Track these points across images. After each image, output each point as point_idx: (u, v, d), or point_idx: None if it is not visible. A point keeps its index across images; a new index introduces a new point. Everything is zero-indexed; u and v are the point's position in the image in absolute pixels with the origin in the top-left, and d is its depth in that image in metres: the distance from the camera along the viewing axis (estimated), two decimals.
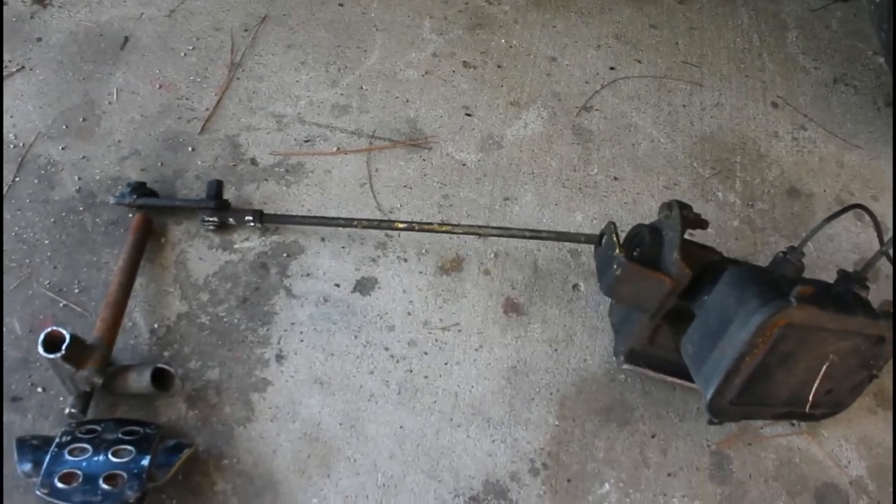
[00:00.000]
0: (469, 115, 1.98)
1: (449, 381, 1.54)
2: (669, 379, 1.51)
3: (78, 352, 1.31)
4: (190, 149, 1.81)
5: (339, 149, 1.87)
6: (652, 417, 1.55)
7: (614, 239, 1.42)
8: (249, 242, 1.68)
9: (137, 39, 2.00)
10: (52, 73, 1.89)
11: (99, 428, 1.32)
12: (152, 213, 1.66)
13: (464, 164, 1.88)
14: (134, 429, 1.33)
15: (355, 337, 1.58)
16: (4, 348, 1.47)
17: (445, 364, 1.56)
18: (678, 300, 1.40)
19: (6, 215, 1.64)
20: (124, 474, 1.24)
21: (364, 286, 1.65)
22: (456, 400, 1.52)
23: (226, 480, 1.38)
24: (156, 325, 1.54)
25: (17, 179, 1.70)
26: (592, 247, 1.54)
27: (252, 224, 1.65)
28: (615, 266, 1.38)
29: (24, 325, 1.51)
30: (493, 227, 1.67)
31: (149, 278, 1.60)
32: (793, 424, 1.57)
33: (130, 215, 1.65)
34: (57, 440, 1.28)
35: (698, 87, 2.15)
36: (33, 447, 1.28)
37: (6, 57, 1.90)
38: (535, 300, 1.67)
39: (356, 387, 1.52)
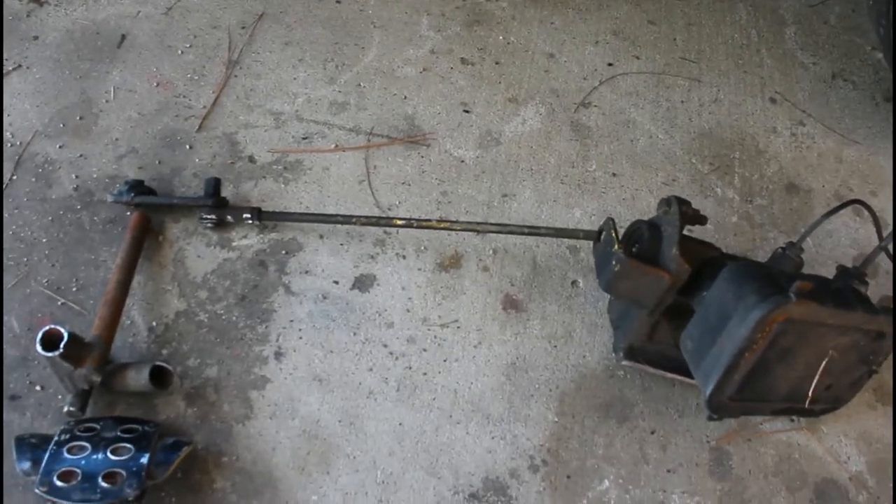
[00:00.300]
0: (467, 111, 1.98)
1: (448, 378, 1.54)
2: (669, 375, 1.52)
3: (76, 350, 1.30)
4: (187, 146, 1.80)
5: (337, 146, 1.86)
6: (651, 413, 1.55)
7: (613, 235, 1.42)
8: (248, 240, 1.68)
9: (134, 37, 1.99)
10: (48, 72, 1.89)
11: (98, 426, 1.32)
12: (150, 211, 1.65)
13: (462, 161, 1.87)
14: (133, 427, 1.33)
15: (354, 334, 1.58)
16: (3, 347, 1.47)
17: (444, 361, 1.56)
18: (677, 296, 1.40)
19: (4, 214, 1.64)
20: (123, 472, 1.24)
21: (363, 283, 1.65)
22: (455, 397, 1.52)
23: (225, 478, 1.38)
24: (154, 323, 1.54)
25: (15, 178, 1.70)
26: (591, 243, 1.54)
27: (250, 221, 1.64)
28: (614, 262, 1.38)
29: (23, 324, 1.51)
30: (491, 224, 1.67)
31: (147, 276, 1.60)
32: (792, 420, 1.57)
33: (128, 213, 1.65)
34: (56, 438, 1.28)
35: (696, 83, 2.14)
36: (32, 445, 1.28)
37: (3, 55, 1.90)
38: (534, 297, 1.67)
39: (355, 384, 1.52)
